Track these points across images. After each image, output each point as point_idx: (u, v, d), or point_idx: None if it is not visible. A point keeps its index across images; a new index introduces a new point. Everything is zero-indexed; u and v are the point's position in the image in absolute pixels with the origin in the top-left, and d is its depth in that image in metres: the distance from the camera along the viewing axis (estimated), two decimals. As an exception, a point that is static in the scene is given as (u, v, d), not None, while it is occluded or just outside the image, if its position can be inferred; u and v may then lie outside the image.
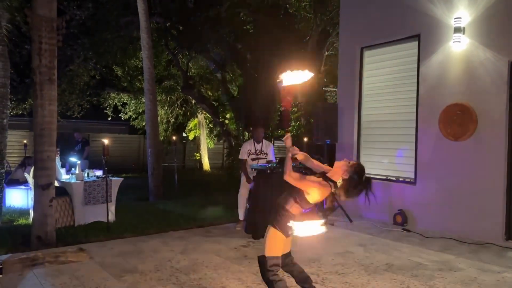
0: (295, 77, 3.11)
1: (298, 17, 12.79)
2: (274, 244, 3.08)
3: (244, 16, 12.57)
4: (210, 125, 18.76)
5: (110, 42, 11.78)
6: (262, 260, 3.07)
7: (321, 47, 12.97)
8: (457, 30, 5.92)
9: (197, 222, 6.66)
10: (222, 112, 15.34)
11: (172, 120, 18.25)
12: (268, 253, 3.05)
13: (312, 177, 3.05)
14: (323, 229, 3.00)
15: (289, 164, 3.01)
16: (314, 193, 2.99)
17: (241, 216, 6.32)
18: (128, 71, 14.73)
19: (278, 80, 3.16)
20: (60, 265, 4.47)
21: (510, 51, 5.53)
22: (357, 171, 3.03)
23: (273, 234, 3.07)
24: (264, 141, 6.46)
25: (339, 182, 3.02)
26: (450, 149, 6.11)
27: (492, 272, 4.42)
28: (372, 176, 7.10)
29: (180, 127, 19.77)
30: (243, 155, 6.37)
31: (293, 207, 3.04)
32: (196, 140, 19.31)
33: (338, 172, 3.04)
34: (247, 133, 12.45)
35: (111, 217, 6.44)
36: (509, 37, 5.53)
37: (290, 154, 3.06)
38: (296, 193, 3.05)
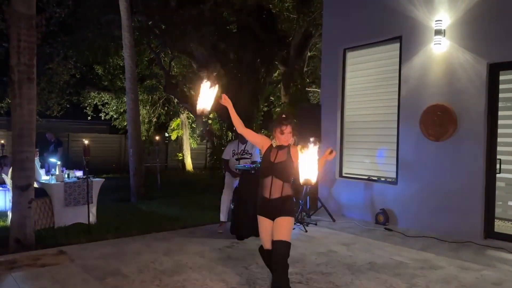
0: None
1: (281, 17, 12.82)
2: (291, 231, 3.37)
3: (227, 15, 12.53)
4: (193, 125, 18.64)
5: (91, 40, 11.58)
6: (287, 245, 3.32)
7: (303, 47, 13.03)
8: (438, 32, 6.02)
9: (180, 223, 6.60)
10: (205, 111, 15.21)
11: (154, 120, 18.07)
12: (289, 239, 3.32)
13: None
14: None
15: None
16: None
17: (223, 217, 6.19)
18: (109, 70, 14.51)
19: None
20: (40, 268, 4.36)
21: (489, 53, 5.65)
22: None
23: (291, 223, 3.39)
24: (249, 141, 6.44)
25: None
26: (430, 149, 6.21)
27: (472, 270, 4.51)
28: (354, 176, 7.32)
29: (162, 127, 19.59)
30: (226, 155, 6.34)
31: (289, 190, 3.40)
32: (179, 140, 19.15)
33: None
34: (230, 133, 12.41)
35: (92, 218, 6.33)
36: (488, 40, 5.65)
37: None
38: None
